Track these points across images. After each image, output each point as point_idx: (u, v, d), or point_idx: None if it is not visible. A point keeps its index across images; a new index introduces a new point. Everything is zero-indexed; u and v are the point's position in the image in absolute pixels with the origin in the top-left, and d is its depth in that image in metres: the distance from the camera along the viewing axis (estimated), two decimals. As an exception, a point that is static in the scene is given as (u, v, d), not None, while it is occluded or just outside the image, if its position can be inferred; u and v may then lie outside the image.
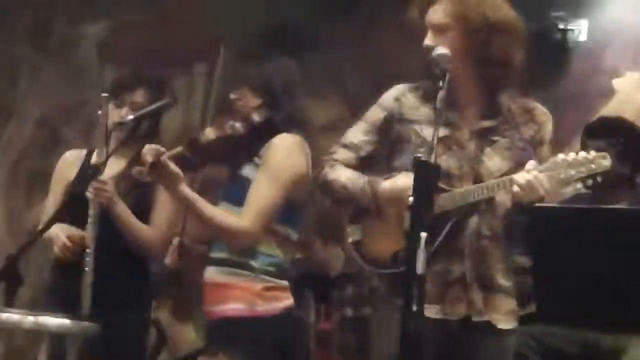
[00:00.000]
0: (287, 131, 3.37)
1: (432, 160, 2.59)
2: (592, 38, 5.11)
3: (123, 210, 3.62)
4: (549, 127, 3.09)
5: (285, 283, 3.38)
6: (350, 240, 3.05)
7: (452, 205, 2.90)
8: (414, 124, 3.03)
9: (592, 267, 2.73)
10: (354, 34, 5.33)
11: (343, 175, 3.06)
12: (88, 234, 3.50)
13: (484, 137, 3.01)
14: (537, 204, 2.84)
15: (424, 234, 2.47)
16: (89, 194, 3.52)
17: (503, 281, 3.02)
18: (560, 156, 2.89)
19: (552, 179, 2.85)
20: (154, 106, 3.51)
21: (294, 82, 3.44)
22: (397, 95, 3.09)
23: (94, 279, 3.47)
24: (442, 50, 2.85)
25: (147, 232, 3.67)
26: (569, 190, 2.93)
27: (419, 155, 2.64)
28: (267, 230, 3.34)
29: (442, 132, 2.93)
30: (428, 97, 3.03)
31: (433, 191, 2.60)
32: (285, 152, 3.30)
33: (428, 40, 2.97)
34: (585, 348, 3.64)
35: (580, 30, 5.12)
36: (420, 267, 2.45)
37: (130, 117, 3.48)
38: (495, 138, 3.01)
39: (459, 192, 2.92)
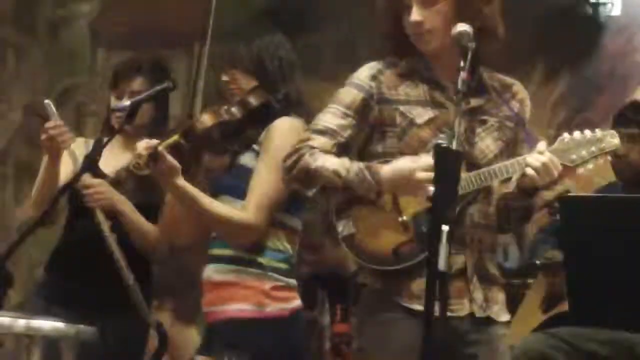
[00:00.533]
0: (286, 114, 3.34)
1: (455, 146, 2.54)
2: (626, 12, 5.07)
3: (125, 207, 3.62)
4: (528, 104, 3.07)
5: (293, 282, 3.35)
6: (340, 236, 2.94)
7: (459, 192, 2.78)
8: (398, 104, 2.96)
9: (631, 262, 2.73)
10: (367, 9, 5.27)
11: (329, 161, 2.92)
12: (107, 240, 3.55)
13: (474, 117, 2.96)
14: (570, 194, 2.82)
15: (445, 227, 2.44)
16: (85, 201, 3.56)
17: (495, 271, 3.00)
18: (567, 135, 2.88)
19: (564, 160, 2.84)
20: (150, 91, 3.50)
21: (289, 60, 3.41)
22: (374, 73, 2.99)
23: (88, 279, 3.53)
24: (463, 26, 2.78)
25: (154, 232, 3.67)
26: (580, 172, 2.88)
27: (440, 141, 2.60)
28: (272, 223, 3.32)
29: (430, 113, 2.93)
30: (408, 74, 2.99)
31: (457, 180, 2.54)
32: (285, 136, 3.24)
33: (416, 16, 2.90)
34: (622, 350, 3.58)
35: (613, 3, 5.09)
36: (442, 263, 2.42)
37: (127, 102, 3.48)
38: (485, 117, 2.98)
39: (465, 178, 2.84)
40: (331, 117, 2.99)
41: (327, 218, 3.03)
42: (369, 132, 2.99)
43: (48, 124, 3.58)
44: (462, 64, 2.70)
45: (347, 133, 2.98)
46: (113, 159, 3.64)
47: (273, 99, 3.35)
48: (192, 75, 5.21)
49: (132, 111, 3.44)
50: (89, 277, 3.61)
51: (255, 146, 3.34)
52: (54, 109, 3.64)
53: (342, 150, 2.97)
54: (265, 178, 3.28)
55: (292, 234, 3.38)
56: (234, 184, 3.35)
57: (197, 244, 3.64)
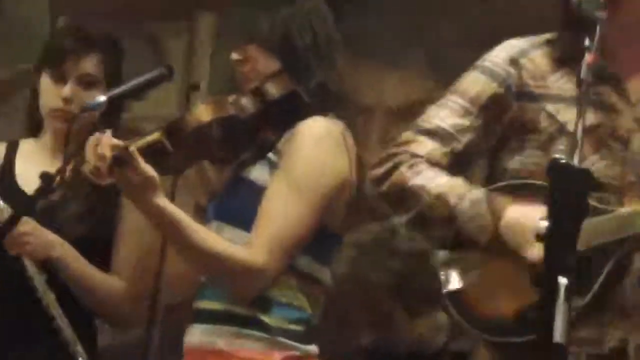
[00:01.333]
0: (321, 113, 3.24)
1: (578, 163, 2.42)
2: None
3: (63, 251, 3.52)
4: None
5: (314, 350, 3.23)
6: (445, 290, 2.88)
7: (610, 236, 2.75)
8: (546, 101, 2.89)
9: None
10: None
11: (435, 181, 2.87)
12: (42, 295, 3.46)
13: None
14: None
15: (564, 280, 2.33)
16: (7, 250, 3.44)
17: None
18: None
19: None
20: (140, 80, 3.31)
21: (327, 35, 3.33)
22: (515, 56, 2.94)
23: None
24: None
25: (106, 283, 3.55)
26: None
27: (557, 156, 2.47)
28: (286, 268, 3.20)
29: (592, 117, 2.78)
30: (565, 59, 2.89)
31: (581, 212, 2.41)
32: (318, 144, 3.20)
33: None
34: None
35: None
36: (559, 332, 2.32)
37: (102, 98, 3.28)
38: None
39: (621, 216, 2.77)
40: (447, 114, 2.94)
41: (397, 277, 2.98)
42: (501, 139, 2.92)
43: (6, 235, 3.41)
44: (587, 42, 2.54)
45: (467, 138, 2.93)
46: (37, 169, 3.32)
47: (302, 90, 3.24)
48: (191, 57, 5.23)
49: (112, 109, 3.31)
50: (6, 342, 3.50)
51: (271, 155, 3.24)
52: None
53: (458, 161, 2.91)
54: (283, 204, 3.18)
55: (313, 285, 3.26)
56: (236, 207, 3.27)
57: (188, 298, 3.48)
